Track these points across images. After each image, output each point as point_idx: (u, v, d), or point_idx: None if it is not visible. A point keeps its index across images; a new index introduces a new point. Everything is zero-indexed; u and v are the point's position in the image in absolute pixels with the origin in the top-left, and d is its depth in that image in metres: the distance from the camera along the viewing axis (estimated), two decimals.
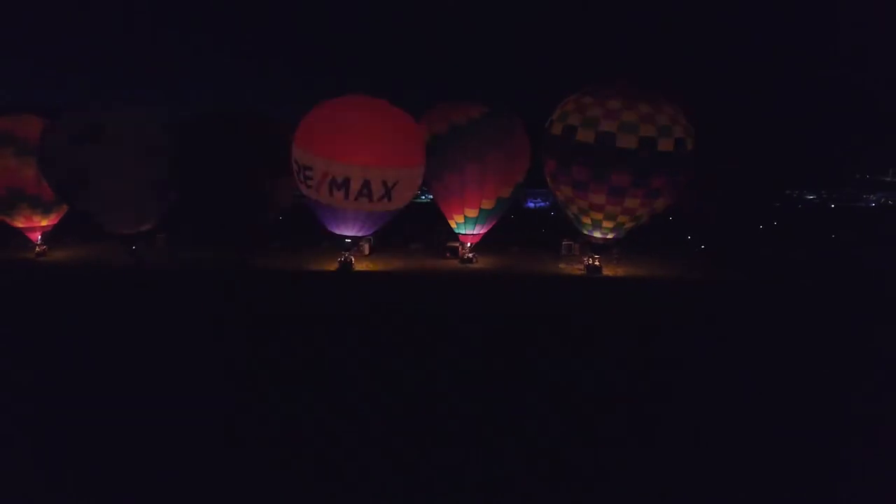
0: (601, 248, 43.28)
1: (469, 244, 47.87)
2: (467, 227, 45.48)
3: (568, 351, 28.52)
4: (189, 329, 32.01)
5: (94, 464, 19.06)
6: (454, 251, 49.88)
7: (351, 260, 45.71)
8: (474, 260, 48.56)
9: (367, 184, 38.44)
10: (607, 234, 40.61)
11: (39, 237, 51.55)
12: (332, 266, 45.91)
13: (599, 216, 38.73)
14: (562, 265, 48.04)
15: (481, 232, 46.60)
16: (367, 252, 51.05)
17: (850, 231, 63.19)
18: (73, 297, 39.76)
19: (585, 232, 42.00)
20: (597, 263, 44.82)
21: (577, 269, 46.43)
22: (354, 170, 38.01)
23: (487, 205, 43.61)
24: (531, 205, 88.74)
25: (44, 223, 50.92)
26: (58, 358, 27.74)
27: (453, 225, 46.25)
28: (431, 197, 49.57)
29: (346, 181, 38.36)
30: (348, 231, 42.54)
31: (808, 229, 65.59)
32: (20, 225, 50.16)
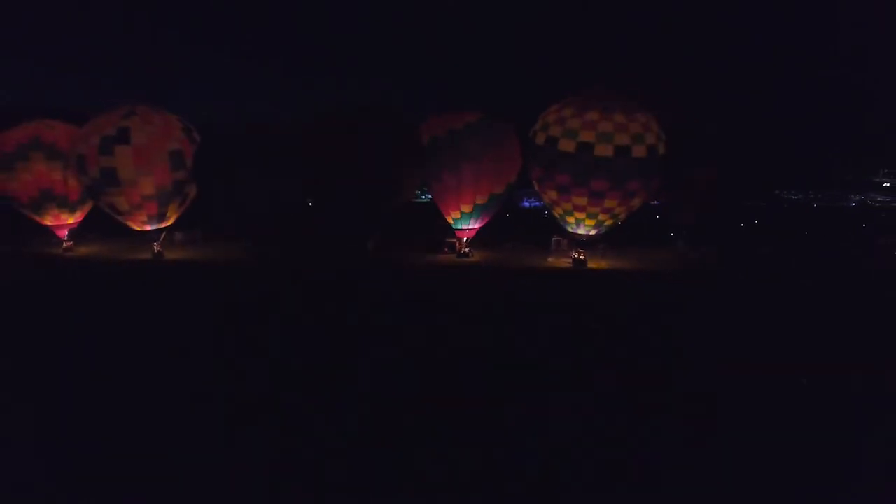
0: (586, 243, 47.36)
1: (465, 239, 51.72)
2: (463, 222, 49.11)
3: (555, 335, 32.14)
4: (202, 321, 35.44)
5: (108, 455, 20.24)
6: (451, 246, 53.80)
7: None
8: (470, 254, 52.45)
9: None
10: (590, 231, 44.73)
11: (66, 234, 55.53)
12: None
13: (582, 216, 42.87)
14: (550, 259, 51.97)
15: (476, 227, 50.25)
16: (371, 247, 54.96)
17: (824, 228, 67.35)
18: (101, 290, 43.39)
19: (570, 230, 46.17)
20: (582, 257, 48.81)
21: (564, 262, 50.41)
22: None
23: (481, 200, 47.03)
24: (526, 204, 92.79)
25: (70, 220, 54.75)
26: (88, 347, 30.24)
27: (450, 221, 49.86)
28: (430, 197, 53.36)
29: None
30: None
31: (785, 227, 69.48)
32: (49, 223, 53.87)
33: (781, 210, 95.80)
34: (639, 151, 39.04)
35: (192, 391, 25.19)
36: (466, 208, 47.40)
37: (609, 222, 43.36)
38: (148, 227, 49.71)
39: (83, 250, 56.59)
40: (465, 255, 52.29)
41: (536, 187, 46.01)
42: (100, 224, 56.87)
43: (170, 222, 51.15)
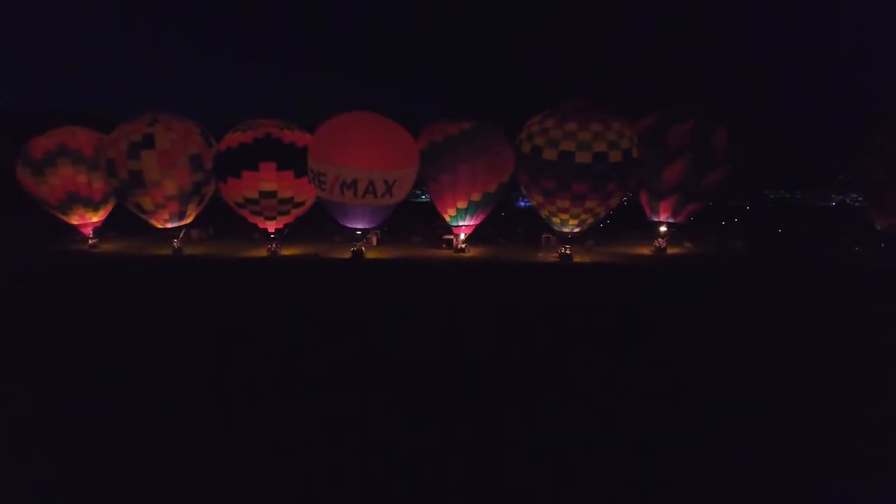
0: (571, 239, 52.04)
1: (462, 235, 56.07)
2: (459, 218, 53.38)
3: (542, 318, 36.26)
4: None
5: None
6: (449, 243, 58.18)
7: (362, 249, 54.22)
8: (466, 250, 56.77)
9: (371, 183, 47.11)
10: (574, 228, 49.49)
11: (91, 231, 59.88)
12: (346, 254, 54.46)
13: (566, 216, 47.65)
14: (540, 254, 56.57)
15: (472, 223, 54.47)
16: (374, 244, 59.60)
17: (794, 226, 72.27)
18: (130, 281, 47.57)
19: (557, 228, 50.94)
20: (568, 252, 53.29)
21: (553, 257, 54.87)
22: (361, 173, 46.71)
23: (476, 197, 51.39)
24: (522, 204, 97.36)
25: (95, 219, 59.02)
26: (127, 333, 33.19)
27: (447, 218, 54.12)
28: (428, 197, 57.80)
29: (354, 182, 46.97)
30: (358, 224, 51.07)
31: (760, 225, 74.11)
32: (75, 222, 58.19)
33: (765, 209, 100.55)
34: (615, 156, 43.68)
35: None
36: (462, 205, 51.76)
37: (590, 220, 48.02)
38: (169, 225, 54.07)
39: (106, 247, 60.93)
40: (462, 250, 56.63)
41: (524, 191, 50.63)
42: (118, 223, 61.41)
43: (189, 220, 55.54)
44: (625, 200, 55.27)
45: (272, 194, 50.49)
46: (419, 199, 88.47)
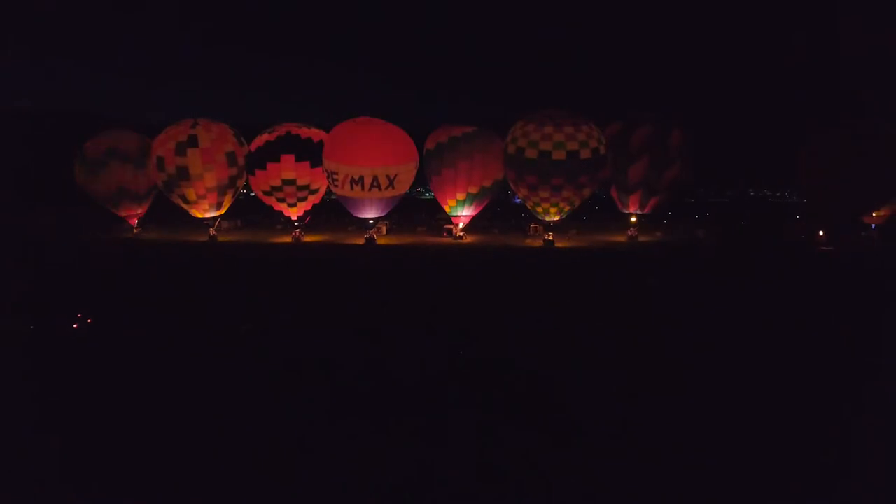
0: (553, 228, 60.45)
1: (461, 224, 64.32)
2: (459, 209, 61.75)
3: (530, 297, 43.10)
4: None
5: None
6: (449, 231, 66.54)
7: (374, 236, 62.67)
8: (464, 237, 64.99)
9: (375, 178, 55.96)
10: (554, 217, 57.94)
11: (136, 221, 68.44)
12: (360, 240, 62.96)
13: (547, 206, 56.12)
14: (527, 241, 65.15)
15: (470, 214, 62.80)
16: (384, 232, 68.06)
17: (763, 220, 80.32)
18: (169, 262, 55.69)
19: (540, 218, 59.55)
20: (551, 238, 61.48)
21: (537, 243, 63.01)
22: (366, 170, 55.74)
23: (473, 190, 59.96)
24: (518, 201, 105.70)
25: (139, 210, 67.61)
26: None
27: (448, 209, 62.54)
28: (432, 194, 66.35)
29: (361, 178, 55.94)
30: (368, 214, 59.58)
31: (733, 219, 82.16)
32: (123, 213, 66.81)
33: (741, 204, 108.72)
34: (585, 154, 52.35)
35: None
36: (461, 196, 60.34)
37: (567, 209, 56.64)
38: (208, 215, 62.64)
39: (148, 235, 69.37)
40: (460, 238, 64.87)
41: (512, 186, 59.24)
42: (155, 214, 70.19)
43: (223, 211, 64.07)
44: (604, 195, 63.23)
45: (292, 182, 59.49)
46: (423, 196, 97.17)
